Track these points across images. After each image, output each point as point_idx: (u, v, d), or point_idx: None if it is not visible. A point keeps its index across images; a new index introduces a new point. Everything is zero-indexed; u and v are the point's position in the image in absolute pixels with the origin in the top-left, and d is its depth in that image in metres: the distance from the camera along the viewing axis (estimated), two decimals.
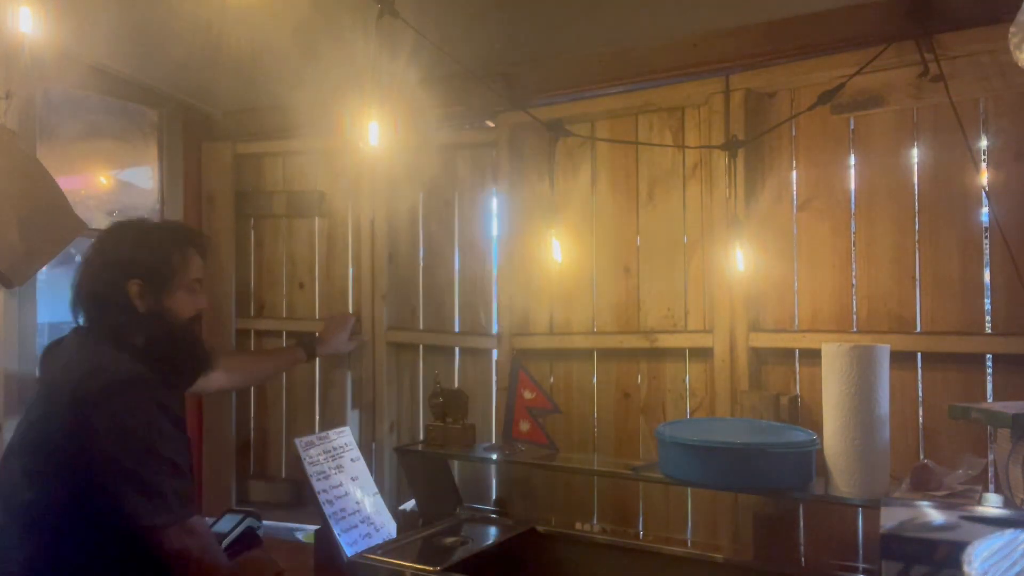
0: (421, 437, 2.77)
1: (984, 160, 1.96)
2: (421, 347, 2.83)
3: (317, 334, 2.72)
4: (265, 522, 2.40)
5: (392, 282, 2.83)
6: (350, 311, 2.86)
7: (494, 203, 2.67)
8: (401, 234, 2.84)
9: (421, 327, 2.82)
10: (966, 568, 1.21)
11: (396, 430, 2.84)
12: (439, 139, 2.68)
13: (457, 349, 2.75)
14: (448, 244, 2.77)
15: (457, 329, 2.75)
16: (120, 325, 1.74)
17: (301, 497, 2.91)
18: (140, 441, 1.60)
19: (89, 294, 1.78)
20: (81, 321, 1.80)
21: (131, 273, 1.75)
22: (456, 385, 2.70)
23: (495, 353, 2.63)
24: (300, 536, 2.61)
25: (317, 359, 2.82)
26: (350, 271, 2.92)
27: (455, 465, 2.58)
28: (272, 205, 3.07)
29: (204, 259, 1.91)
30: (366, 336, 2.81)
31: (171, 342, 1.77)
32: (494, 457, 2.31)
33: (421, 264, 2.83)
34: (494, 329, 2.65)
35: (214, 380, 2.20)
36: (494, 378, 2.66)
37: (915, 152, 2.04)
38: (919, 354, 2.01)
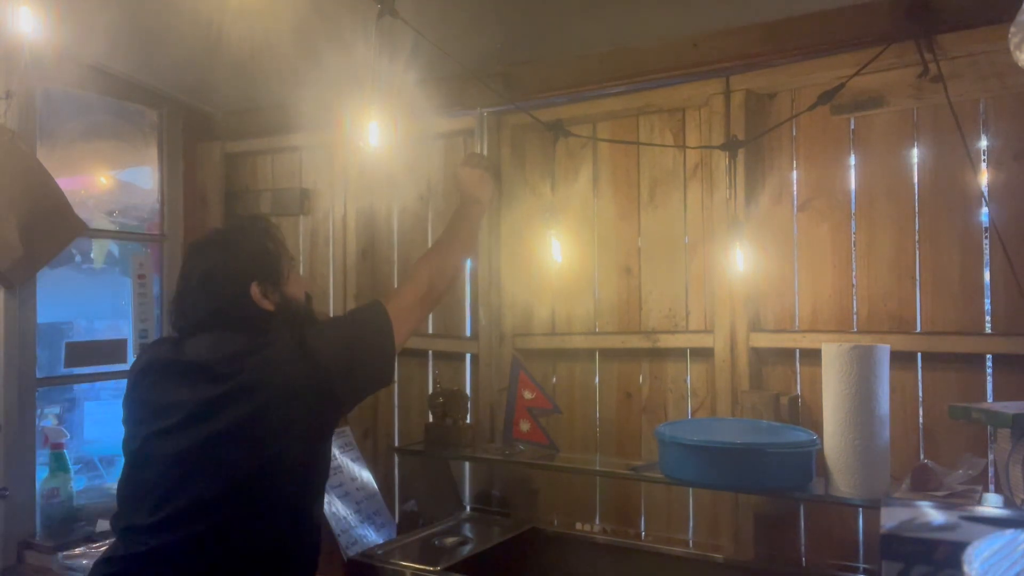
0: (397, 443, 2.78)
1: (984, 160, 1.96)
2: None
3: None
4: None
5: (369, 281, 2.83)
6: (330, 312, 2.83)
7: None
8: (378, 231, 2.85)
9: None
10: (966, 568, 1.21)
11: (372, 436, 2.83)
12: (417, 128, 2.61)
13: (430, 352, 2.76)
14: (423, 241, 2.77)
15: (431, 331, 2.76)
16: (256, 323, 1.74)
17: None
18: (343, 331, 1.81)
19: (216, 313, 1.73)
20: (201, 330, 1.76)
21: (246, 278, 1.75)
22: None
23: (468, 357, 2.64)
24: None
25: None
26: (331, 269, 2.93)
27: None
28: (259, 204, 3.07)
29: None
30: None
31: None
32: (494, 457, 2.31)
33: (396, 262, 2.83)
34: (467, 332, 2.67)
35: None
36: (468, 383, 2.66)
37: (915, 152, 2.04)
38: (919, 354, 2.01)
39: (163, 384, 1.70)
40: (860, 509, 2.02)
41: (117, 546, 1.66)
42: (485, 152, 2.52)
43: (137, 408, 1.74)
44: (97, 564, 1.67)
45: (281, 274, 1.81)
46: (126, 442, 1.73)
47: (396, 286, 1.83)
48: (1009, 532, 1.35)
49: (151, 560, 1.58)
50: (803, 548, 2.13)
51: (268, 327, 1.73)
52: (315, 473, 1.77)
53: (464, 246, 2.14)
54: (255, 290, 1.75)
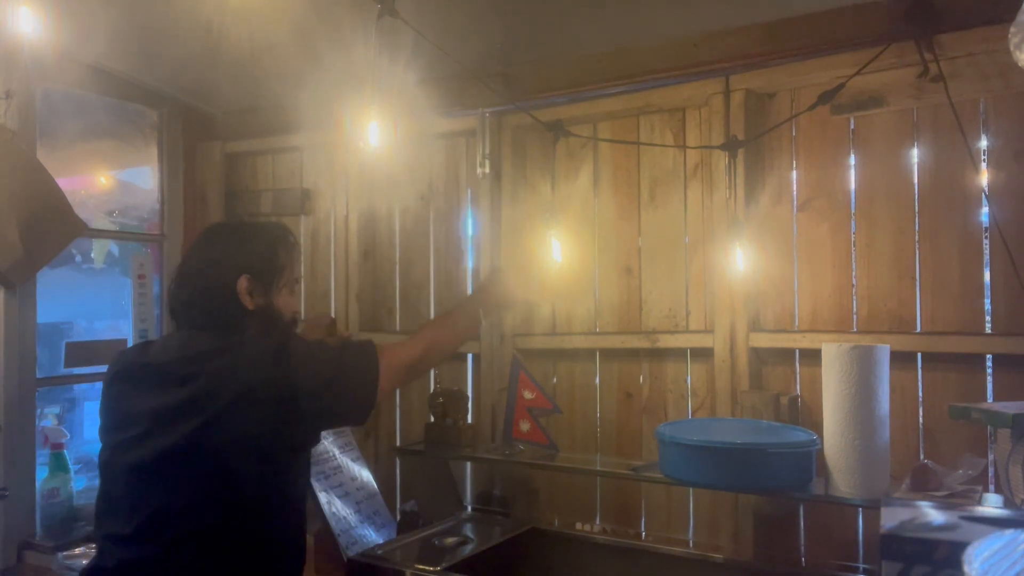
0: (399, 443, 2.78)
1: (984, 160, 1.96)
2: None
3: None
4: None
5: (371, 280, 2.84)
6: (332, 313, 2.83)
7: (469, 195, 2.68)
8: (379, 231, 2.86)
9: (398, 328, 2.83)
10: (966, 568, 1.21)
11: (373, 436, 2.83)
12: (417, 128, 2.60)
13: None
14: (424, 241, 2.79)
15: None
16: (231, 321, 1.69)
17: None
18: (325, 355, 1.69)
19: (194, 293, 1.71)
20: (181, 323, 1.75)
21: (240, 269, 1.70)
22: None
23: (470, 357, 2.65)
24: None
25: None
26: (332, 269, 2.93)
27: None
28: (259, 204, 3.07)
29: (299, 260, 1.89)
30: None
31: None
32: (495, 457, 2.31)
33: (397, 262, 2.84)
34: None
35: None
36: (469, 383, 2.67)
37: (915, 152, 2.04)
38: (919, 354, 2.01)
39: (128, 392, 1.68)
40: (860, 509, 2.02)
41: (99, 556, 1.66)
42: (487, 152, 2.52)
43: (108, 417, 1.71)
44: (82, 574, 1.66)
45: (277, 281, 1.76)
46: (99, 453, 1.70)
47: (393, 343, 1.79)
48: (1009, 532, 1.35)
49: (130, 570, 1.58)
50: (803, 548, 2.13)
51: (244, 326, 1.70)
52: (286, 488, 1.70)
53: (460, 338, 2.02)
54: (243, 283, 1.70)
